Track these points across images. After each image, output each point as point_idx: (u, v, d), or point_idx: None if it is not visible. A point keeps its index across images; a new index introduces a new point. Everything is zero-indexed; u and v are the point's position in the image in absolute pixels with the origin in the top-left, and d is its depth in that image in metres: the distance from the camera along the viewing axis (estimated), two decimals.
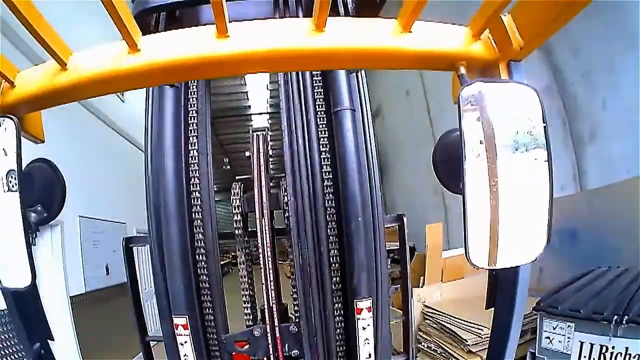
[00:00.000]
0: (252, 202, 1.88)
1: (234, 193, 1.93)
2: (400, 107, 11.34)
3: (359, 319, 1.77)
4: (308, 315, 1.80)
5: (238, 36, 1.12)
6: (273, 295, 1.87)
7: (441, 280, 5.76)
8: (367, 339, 1.78)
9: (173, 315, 1.77)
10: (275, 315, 1.87)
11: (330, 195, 1.83)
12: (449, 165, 1.33)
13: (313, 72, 1.94)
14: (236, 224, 1.96)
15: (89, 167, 6.63)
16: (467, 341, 4.70)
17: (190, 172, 1.87)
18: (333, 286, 1.84)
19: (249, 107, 18.96)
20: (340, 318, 1.87)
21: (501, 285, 1.41)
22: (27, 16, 0.97)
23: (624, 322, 3.39)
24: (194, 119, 1.90)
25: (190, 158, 1.87)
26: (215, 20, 1.09)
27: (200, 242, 1.86)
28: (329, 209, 1.82)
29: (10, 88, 1.17)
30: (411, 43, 1.14)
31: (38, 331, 1.49)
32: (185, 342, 1.78)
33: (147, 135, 1.86)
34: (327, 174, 1.84)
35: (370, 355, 1.80)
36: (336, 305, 1.86)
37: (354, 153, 1.76)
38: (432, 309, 5.43)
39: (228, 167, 22.65)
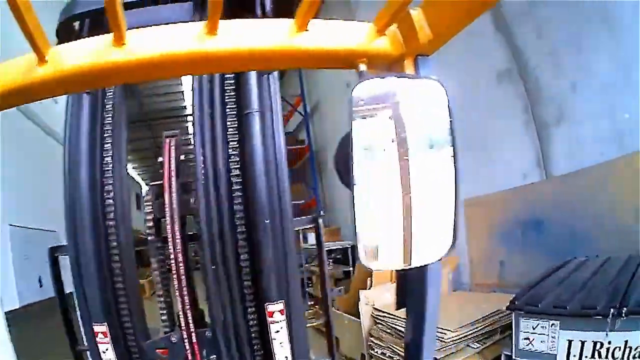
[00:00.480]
0: (164, 208, 2.09)
1: (146, 200, 2.15)
2: (340, 100, 11.58)
3: (272, 322, 2.00)
4: (217, 319, 2.04)
5: (133, 43, 1.24)
6: (187, 300, 2.09)
7: (391, 280, 5.80)
8: (281, 342, 2.01)
9: (93, 324, 2.00)
10: (190, 321, 2.10)
11: (240, 199, 2.04)
12: (345, 162, 1.53)
13: (225, 75, 2.15)
14: (149, 229, 2.17)
15: (18, 171, 6.73)
16: None
17: (104, 179, 2.07)
18: (245, 290, 2.06)
19: (185, 107, 19.41)
20: (255, 322, 2.09)
21: (410, 286, 1.54)
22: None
23: (622, 314, 3.35)
24: (109, 125, 2.11)
25: (104, 165, 2.08)
26: (111, 28, 1.20)
27: (114, 249, 2.07)
28: (237, 213, 2.04)
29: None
30: (306, 42, 1.25)
31: None
32: (107, 349, 2.01)
33: (65, 143, 2.06)
34: (236, 177, 2.05)
35: (286, 358, 2.02)
36: (250, 309, 2.08)
37: (261, 156, 1.99)
38: (383, 311, 5.44)
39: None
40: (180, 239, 2.06)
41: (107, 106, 2.16)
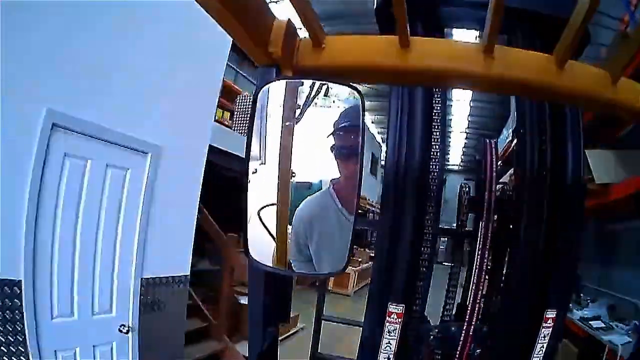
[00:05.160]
0: (476, 205, 2.22)
1: (462, 192, 2.26)
2: None
3: (544, 327, 2.20)
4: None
5: (418, 51, 1.35)
6: (480, 295, 2.23)
7: None
8: (542, 346, 2.21)
9: (389, 303, 2.06)
10: (474, 315, 2.24)
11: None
12: None
13: None
14: (460, 223, 2.28)
15: None
16: None
17: (431, 167, 2.16)
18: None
19: None
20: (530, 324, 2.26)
21: None
22: None
23: None
24: (437, 119, 2.20)
25: (432, 154, 2.17)
26: (398, 33, 1.31)
27: (428, 236, 2.15)
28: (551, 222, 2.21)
29: (315, 51, 1.35)
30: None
31: (278, 313, 1.67)
32: (394, 330, 2.07)
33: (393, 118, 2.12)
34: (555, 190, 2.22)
35: None
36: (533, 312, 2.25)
37: (572, 173, 2.18)
38: None
39: None
40: (490, 236, 2.20)
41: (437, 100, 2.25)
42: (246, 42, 1.21)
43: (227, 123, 11.14)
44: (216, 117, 8.42)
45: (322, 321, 2.37)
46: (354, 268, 15.34)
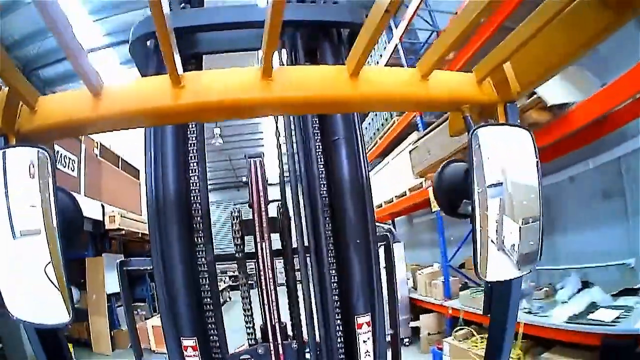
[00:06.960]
0: (250, 226, 2.19)
1: (233, 217, 2.25)
2: None
3: (360, 333, 2.15)
4: (309, 332, 2.19)
5: (192, 86, 1.39)
6: (275, 314, 2.21)
7: None
8: (367, 351, 2.16)
9: (181, 338, 2.08)
10: (278, 334, 2.22)
11: (328, 218, 2.18)
12: (450, 192, 1.71)
13: None
14: (237, 247, 2.27)
15: None
16: None
17: (193, 198, 2.17)
18: (335, 303, 2.20)
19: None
20: (342, 333, 2.24)
21: (496, 295, 1.85)
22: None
23: None
24: (194, 146, 2.20)
25: (192, 184, 2.18)
26: (168, 71, 1.33)
27: (203, 266, 2.18)
28: (327, 232, 2.17)
29: (31, 114, 1.39)
30: (428, 89, 1.50)
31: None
32: None
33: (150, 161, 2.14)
34: (325, 199, 2.19)
35: None
36: (337, 321, 2.22)
37: (350, 179, 2.12)
38: None
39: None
40: (269, 255, 2.17)
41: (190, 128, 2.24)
42: None
43: None
44: None
45: None
46: None
